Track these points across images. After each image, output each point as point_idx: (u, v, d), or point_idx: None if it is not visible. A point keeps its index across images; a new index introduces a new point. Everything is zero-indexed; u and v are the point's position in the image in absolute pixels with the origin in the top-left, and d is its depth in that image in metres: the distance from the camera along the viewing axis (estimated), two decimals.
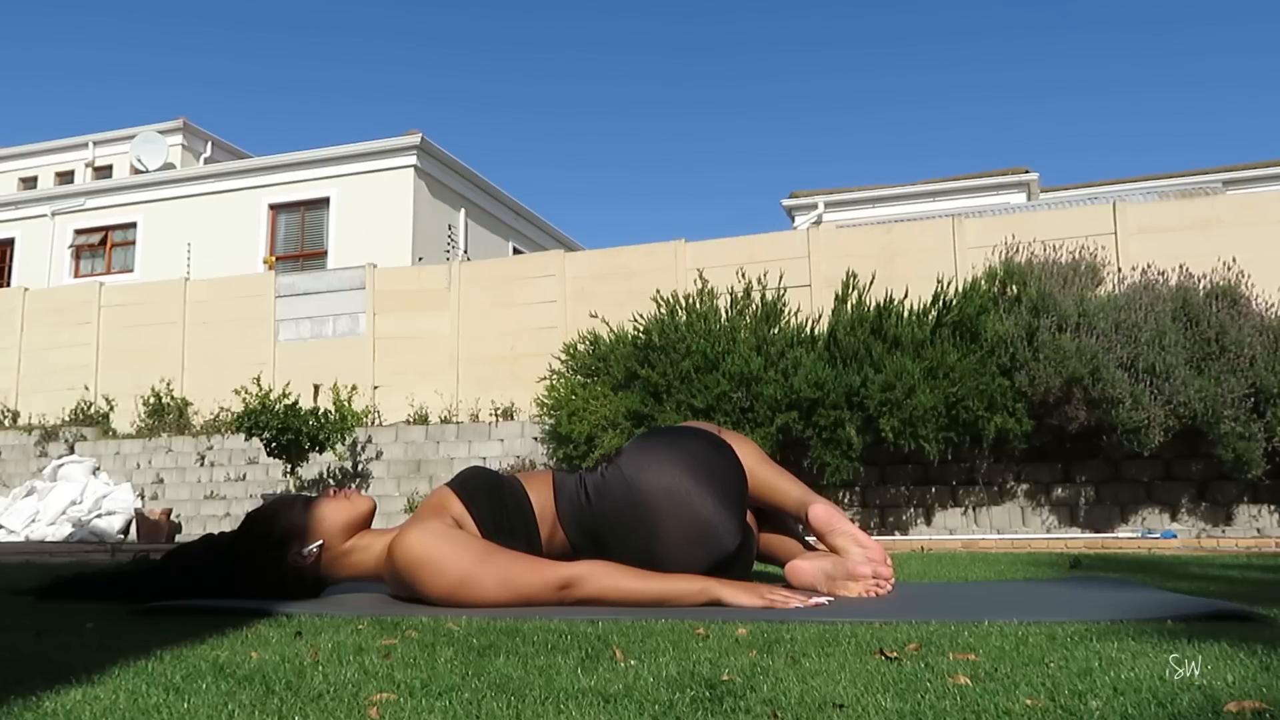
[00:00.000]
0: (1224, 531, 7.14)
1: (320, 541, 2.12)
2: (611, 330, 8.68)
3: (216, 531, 3.18)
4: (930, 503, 7.91)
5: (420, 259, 14.56)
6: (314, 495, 2.22)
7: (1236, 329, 7.17)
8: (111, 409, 12.02)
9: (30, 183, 21.01)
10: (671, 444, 2.19)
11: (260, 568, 2.14)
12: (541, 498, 2.17)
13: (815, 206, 15.13)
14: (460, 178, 16.75)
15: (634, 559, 2.08)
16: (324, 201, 16.07)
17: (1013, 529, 7.58)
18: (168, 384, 11.80)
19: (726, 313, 8.37)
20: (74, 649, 1.49)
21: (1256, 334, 7.15)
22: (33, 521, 9.63)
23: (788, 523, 2.40)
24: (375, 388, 11.11)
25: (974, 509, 7.79)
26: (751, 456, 2.29)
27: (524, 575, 1.99)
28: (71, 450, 11.42)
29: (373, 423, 10.80)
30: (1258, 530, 7.09)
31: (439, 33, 60.77)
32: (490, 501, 2.14)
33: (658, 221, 65.52)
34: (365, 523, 2.18)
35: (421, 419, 10.70)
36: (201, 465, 10.91)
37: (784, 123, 70.21)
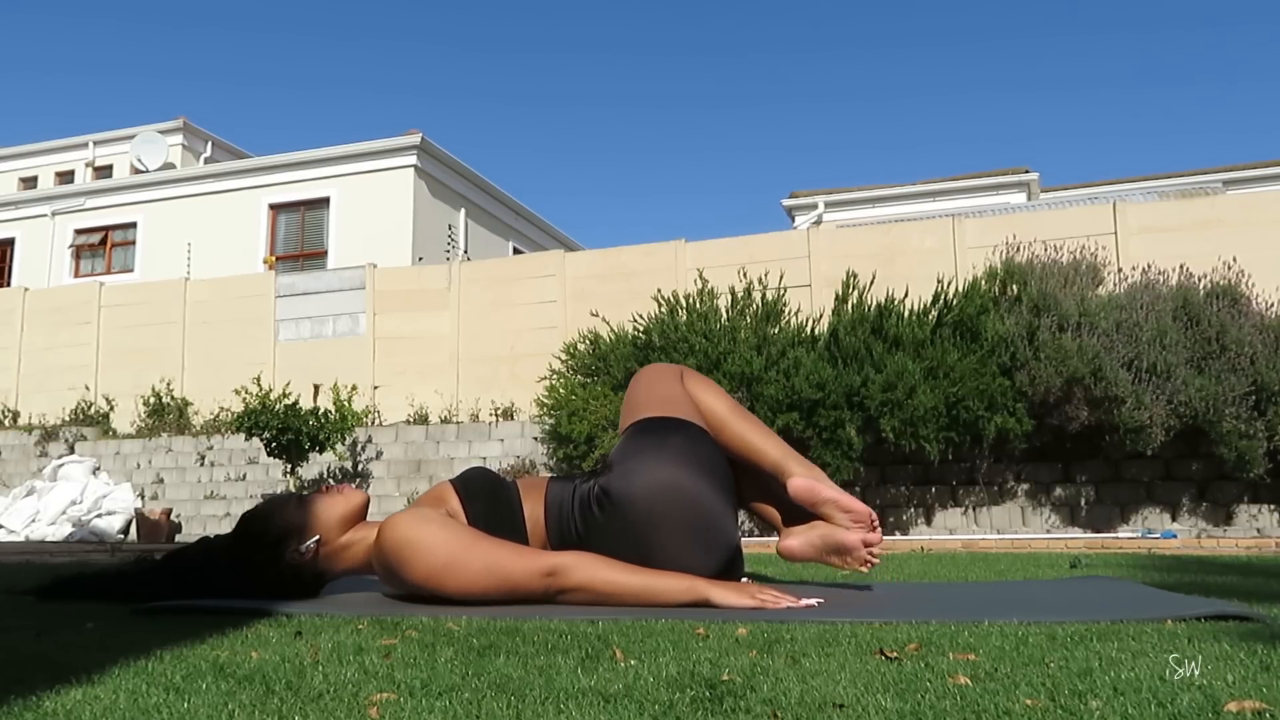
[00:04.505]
0: (1224, 531, 7.14)
1: (317, 537, 2.12)
2: (612, 330, 8.68)
3: (216, 532, 3.18)
4: (930, 503, 7.91)
5: (420, 259, 14.56)
6: (308, 493, 2.22)
7: (1237, 328, 7.18)
8: (111, 409, 12.02)
9: (30, 183, 21.00)
10: (657, 456, 2.11)
11: (259, 567, 2.14)
12: (534, 509, 2.16)
13: (815, 206, 15.14)
14: (460, 178, 16.75)
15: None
16: (324, 201, 16.07)
17: (1013, 529, 7.58)
18: (168, 384, 11.81)
19: (727, 312, 8.37)
20: (74, 649, 1.49)
21: (1257, 333, 7.16)
22: (33, 521, 9.62)
23: (772, 486, 2.29)
24: (375, 388, 11.11)
25: (974, 509, 7.79)
26: (723, 405, 2.24)
27: (510, 560, 1.98)
28: (71, 450, 11.42)
29: (373, 423, 10.80)
30: (1258, 530, 7.09)
31: (439, 32, 60.81)
32: (486, 503, 2.14)
33: (658, 221, 65.58)
34: (360, 515, 2.19)
35: (421, 419, 10.70)
36: (201, 465, 10.91)
37: (784, 123, 70.25)
